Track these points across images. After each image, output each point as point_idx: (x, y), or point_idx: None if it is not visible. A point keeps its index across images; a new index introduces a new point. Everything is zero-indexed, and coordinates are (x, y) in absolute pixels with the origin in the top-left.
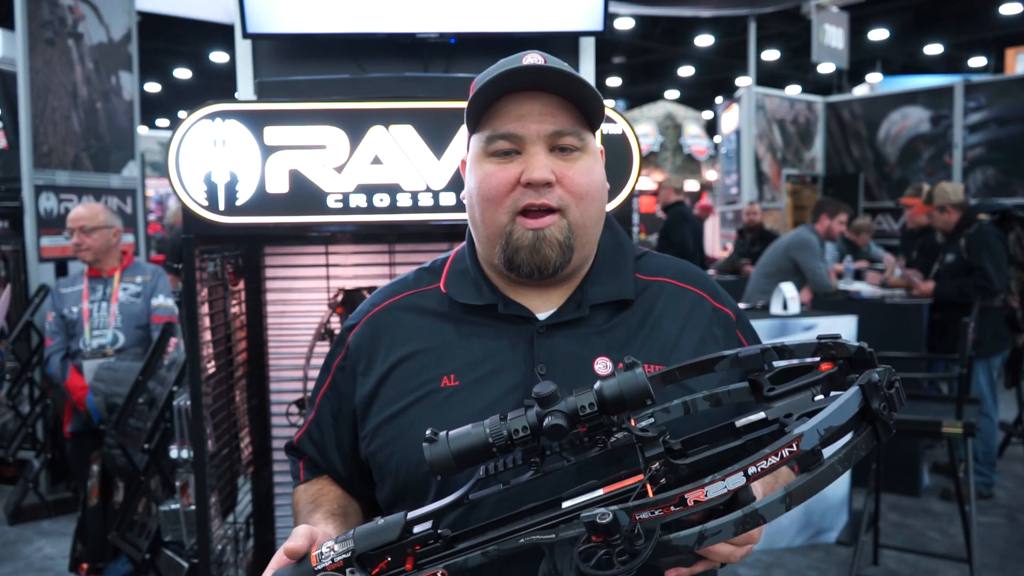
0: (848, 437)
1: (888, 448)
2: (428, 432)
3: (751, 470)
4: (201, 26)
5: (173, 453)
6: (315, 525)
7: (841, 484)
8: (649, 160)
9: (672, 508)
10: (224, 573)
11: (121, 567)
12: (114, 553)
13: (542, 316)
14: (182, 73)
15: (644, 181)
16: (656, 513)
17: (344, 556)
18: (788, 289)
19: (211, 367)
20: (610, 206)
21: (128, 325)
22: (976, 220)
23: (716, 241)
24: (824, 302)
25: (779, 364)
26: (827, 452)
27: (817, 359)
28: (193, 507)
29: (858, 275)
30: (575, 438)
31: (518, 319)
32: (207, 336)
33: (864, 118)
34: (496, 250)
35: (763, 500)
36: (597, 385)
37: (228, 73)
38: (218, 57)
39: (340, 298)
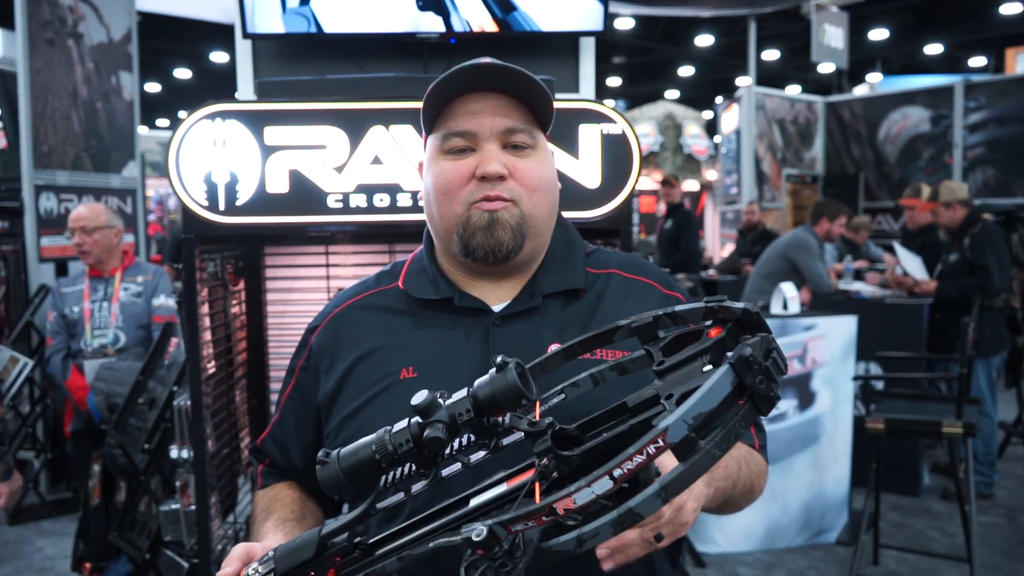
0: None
1: (888, 448)
2: (320, 455)
3: (616, 472)
4: (201, 26)
5: (173, 453)
6: (264, 535)
7: (841, 484)
8: (649, 160)
9: (544, 519)
10: None
11: (121, 567)
12: (115, 553)
13: (497, 308)
14: (182, 73)
15: (644, 181)
16: (530, 524)
17: None
18: (788, 289)
19: (211, 367)
20: (610, 205)
21: (129, 325)
22: (981, 219)
23: (716, 241)
24: (824, 302)
25: (669, 333)
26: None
27: (709, 323)
28: (193, 507)
29: (858, 275)
30: (476, 433)
31: (473, 311)
32: (207, 336)
33: (864, 118)
34: (453, 239)
35: (638, 497)
36: (473, 388)
37: (228, 73)
38: (218, 57)
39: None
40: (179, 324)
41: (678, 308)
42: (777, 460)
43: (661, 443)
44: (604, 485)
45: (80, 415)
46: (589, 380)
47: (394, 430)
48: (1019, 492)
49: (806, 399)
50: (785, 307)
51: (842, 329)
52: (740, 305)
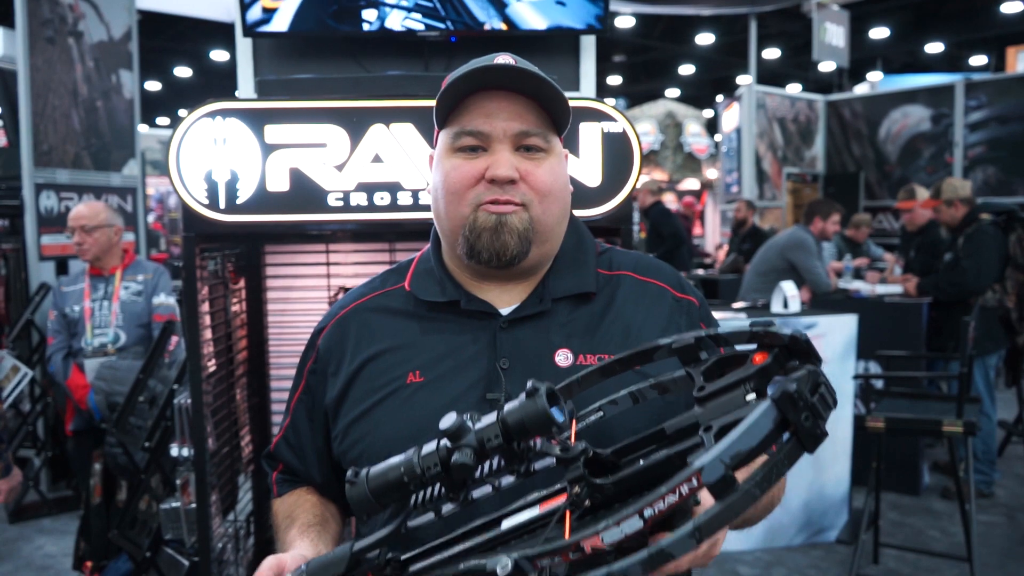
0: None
1: (888, 447)
2: (349, 474)
3: (647, 512)
4: (201, 24)
5: (174, 451)
6: (290, 543)
7: (841, 483)
8: (650, 159)
9: (570, 555)
10: (224, 571)
11: (122, 565)
12: (116, 551)
13: (504, 311)
14: (182, 71)
15: (644, 180)
16: (556, 560)
17: None
18: (788, 288)
19: (211, 365)
20: (611, 204)
21: (129, 324)
22: (977, 220)
23: (716, 239)
24: (824, 301)
25: (712, 356)
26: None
27: (754, 347)
28: (194, 505)
29: (858, 273)
30: (505, 459)
31: (481, 315)
32: (208, 334)
33: (865, 117)
34: (459, 240)
35: (671, 537)
36: (502, 412)
37: (228, 71)
38: (218, 55)
39: (341, 297)
40: (179, 322)
41: (721, 331)
42: None
43: (695, 483)
44: (634, 525)
45: (81, 414)
46: (628, 398)
47: (423, 452)
48: (1019, 491)
49: None
50: (785, 306)
51: (842, 328)
52: (788, 331)
